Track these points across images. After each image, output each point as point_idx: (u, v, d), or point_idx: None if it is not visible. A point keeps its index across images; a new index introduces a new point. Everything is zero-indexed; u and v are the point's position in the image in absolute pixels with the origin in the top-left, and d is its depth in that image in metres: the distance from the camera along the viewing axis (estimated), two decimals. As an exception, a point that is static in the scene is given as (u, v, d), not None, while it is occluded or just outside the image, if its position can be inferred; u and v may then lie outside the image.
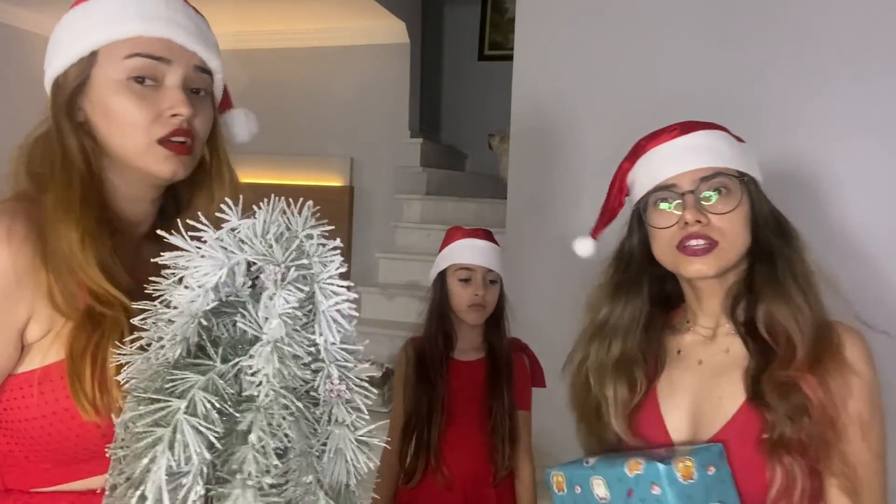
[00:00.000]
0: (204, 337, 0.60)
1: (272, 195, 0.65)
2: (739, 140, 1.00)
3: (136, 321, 0.61)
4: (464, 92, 4.81)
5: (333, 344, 0.61)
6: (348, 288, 0.62)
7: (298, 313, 0.59)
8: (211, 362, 0.59)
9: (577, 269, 2.61)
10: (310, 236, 0.64)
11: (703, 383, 0.97)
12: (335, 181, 4.11)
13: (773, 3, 1.99)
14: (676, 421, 0.97)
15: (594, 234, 1.10)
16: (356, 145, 4.08)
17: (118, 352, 0.61)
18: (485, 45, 4.87)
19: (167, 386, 0.57)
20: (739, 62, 2.04)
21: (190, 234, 0.61)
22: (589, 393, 1.03)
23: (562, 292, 2.44)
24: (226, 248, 0.60)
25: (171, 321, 0.60)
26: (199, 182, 0.89)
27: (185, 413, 0.55)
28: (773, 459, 0.86)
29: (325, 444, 0.60)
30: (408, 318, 3.48)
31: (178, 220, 0.63)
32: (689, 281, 0.98)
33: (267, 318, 0.59)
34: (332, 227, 0.66)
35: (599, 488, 0.89)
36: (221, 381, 0.58)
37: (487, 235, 1.61)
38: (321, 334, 0.60)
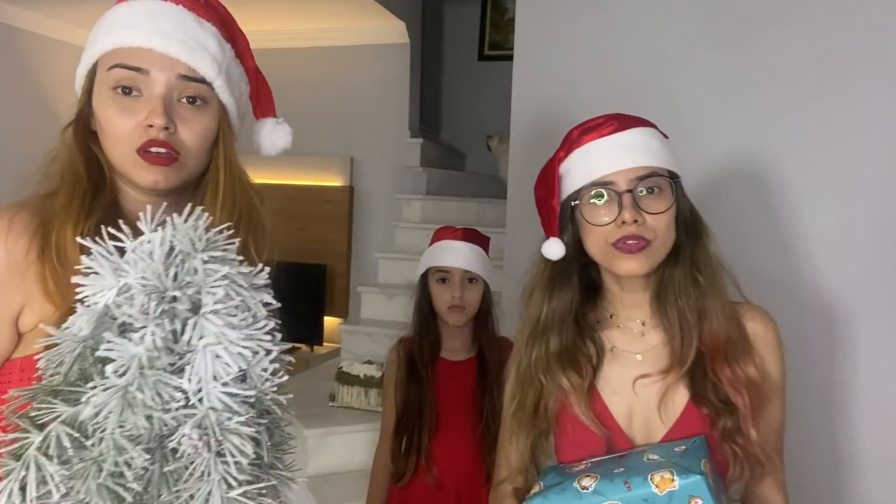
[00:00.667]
0: (90, 362, 0.54)
1: (189, 205, 0.59)
2: (665, 136, 1.02)
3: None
4: (464, 92, 4.81)
5: (214, 388, 0.52)
6: (233, 326, 0.54)
7: (153, 355, 0.52)
8: (87, 391, 0.53)
9: (577, 269, 2.58)
10: (206, 260, 0.55)
11: (646, 381, 0.99)
12: (335, 181, 4.11)
13: (774, 7, 1.99)
14: (624, 416, 0.99)
15: (553, 232, 1.03)
16: (356, 145, 4.08)
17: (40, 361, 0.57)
18: (485, 45, 4.87)
19: (33, 414, 0.53)
20: (740, 63, 2.04)
21: (113, 244, 0.56)
22: (529, 390, 1.03)
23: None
24: (116, 267, 0.55)
25: (56, 343, 0.55)
26: (203, 192, 0.89)
27: (38, 450, 0.51)
28: (725, 448, 0.92)
29: (190, 499, 0.53)
30: (408, 318, 3.48)
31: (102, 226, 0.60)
32: (618, 276, 0.99)
33: (110, 360, 0.52)
34: (235, 249, 0.58)
35: None
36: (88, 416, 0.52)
37: (468, 235, 1.61)
38: (190, 379, 0.52)
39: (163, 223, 0.57)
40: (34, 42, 3.71)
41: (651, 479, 0.78)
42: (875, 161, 1.63)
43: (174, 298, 0.53)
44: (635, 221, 0.91)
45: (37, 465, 0.50)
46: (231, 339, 0.53)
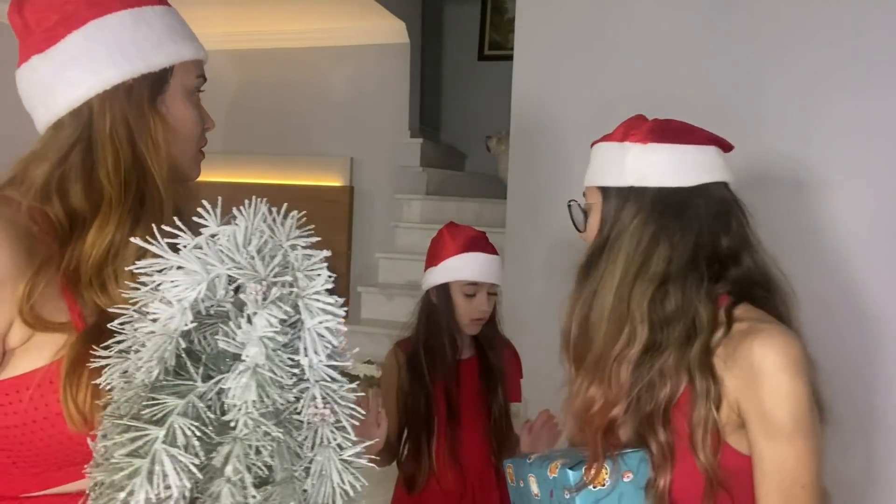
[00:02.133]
0: (183, 353, 0.56)
1: (253, 197, 0.60)
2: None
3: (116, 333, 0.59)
4: (464, 92, 4.81)
5: (320, 362, 0.57)
6: (336, 303, 0.58)
7: (279, 337, 0.55)
8: (191, 382, 0.55)
9: (577, 269, 2.59)
10: (294, 247, 0.59)
11: None
12: (335, 181, 4.11)
13: (775, 5, 1.99)
14: None
15: None
16: (356, 145, 4.08)
17: (104, 369, 0.57)
18: (485, 45, 4.86)
19: (144, 411, 0.54)
20: (740, 63, 2.04)
21: (166, 240, 0.57)
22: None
23: (562, 293, 2.44)
24: (204, 260, 0.56)
25: (145, 341, 0.56)
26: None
27: (164, 443, 0.52)
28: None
29: (309, 467, 0.57)
30: (408, 318, 3.48)
31: (154, 224, 0.60)
32: None
33: (245, 343, 0.55)
34: (318, 239, 0.62)
35: (534, 485, 0.93)
36: (202, 404, 0.54)
37: (489, 245, 1.58)
38: (306, 355, 0.56)
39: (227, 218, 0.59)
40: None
41: (549, 464, 0.90)
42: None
43: (286, 284, 0.57)
44: None
45: (168, 456, 0.51)
46: (336, 317, 0.58)
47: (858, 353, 1.70)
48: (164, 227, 0.58)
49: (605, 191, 1.02)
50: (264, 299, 0.55)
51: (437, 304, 1.55)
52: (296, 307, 0.57)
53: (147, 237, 0.58)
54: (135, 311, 0.57)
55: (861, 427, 1.63)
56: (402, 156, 3.97)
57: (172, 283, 0.55)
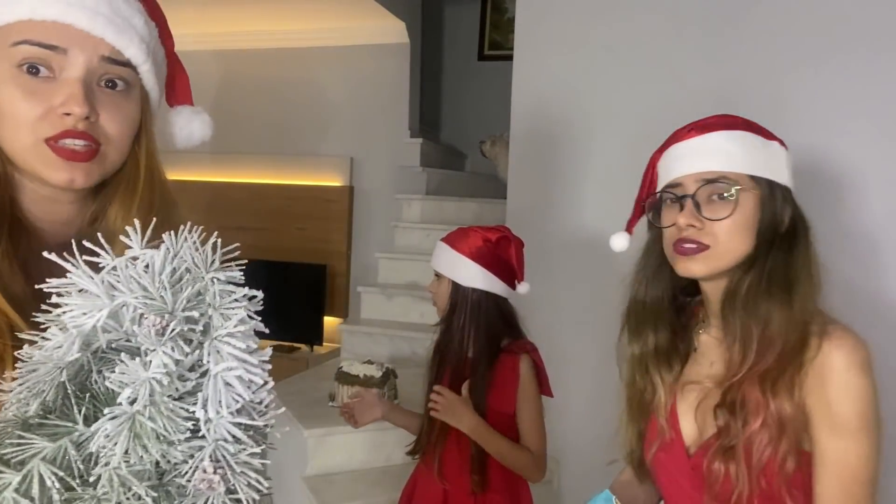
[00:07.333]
0: (70, 390, 0.48)
1: (188, 224, 0.52)
2: (771, 138, 0.98)
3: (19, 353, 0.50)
4: (464, 92, 4.81)
5: (220, 417, 0.48)
6: (249, 350, 0.50)
7: (166, 381, 0.47)
8: (71, 424, 0.47)
9: (578, 269, 2.61)
10: (215, 280, 0.50)
11: (693, 387, 1.00)
12: (335, 181, 4.11)
13: (776, 5, 1.99)
14: (687, 420, 1.00)
15: (629, 227, 1.10)
16: (356, 145, 4.08)
17: None
18: (485, 45, 4.87)
19: (6, 451, 0.46)
20: (742, 63, 2.04)
21: (86, 258, 0.49)
22: (642, 384, 1.06)
23: (562, 293, 2.44)
24: (109, 285, 0.48)
25: (32, 369, 0.48)
26: (114, 187, 0.76)
27: (16, 491, 0.44)
28: (713, 462, 0.91)
29: None
30: (408, 318, 3.50)
31: (74, 239, 0.51)
32: (697, 281, 1.01)
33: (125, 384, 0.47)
34: (241, 274, 0.53)
35: None
36: (75, 452, 0.46)
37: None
38: (203, 406, 0.48)
39: (153, 241, 0.51)
40: None
41: None
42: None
43: (190, 319, 0.49)
44: (692, 226, 0.92)
45: None
46: (247, 365, 0.49)
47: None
48: (84, 243, 0.50)
49: (764, 183, 0.95)
50: (161, 335, 0.47)
51: (492, 315, 1.61)
52: (202, 349, 0.49)
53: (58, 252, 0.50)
54: (38, 335, 0.50)
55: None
56: (402, 156, 3.97)
57: (70, 308, 0.48)
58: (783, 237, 0.94)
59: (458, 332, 1.60)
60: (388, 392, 2.55)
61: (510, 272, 1.63)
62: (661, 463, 1.03)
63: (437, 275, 1.67)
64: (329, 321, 3.90)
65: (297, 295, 3.85)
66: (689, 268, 0.94)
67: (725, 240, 0.92)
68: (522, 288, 1.65)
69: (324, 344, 3.90)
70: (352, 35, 4.03)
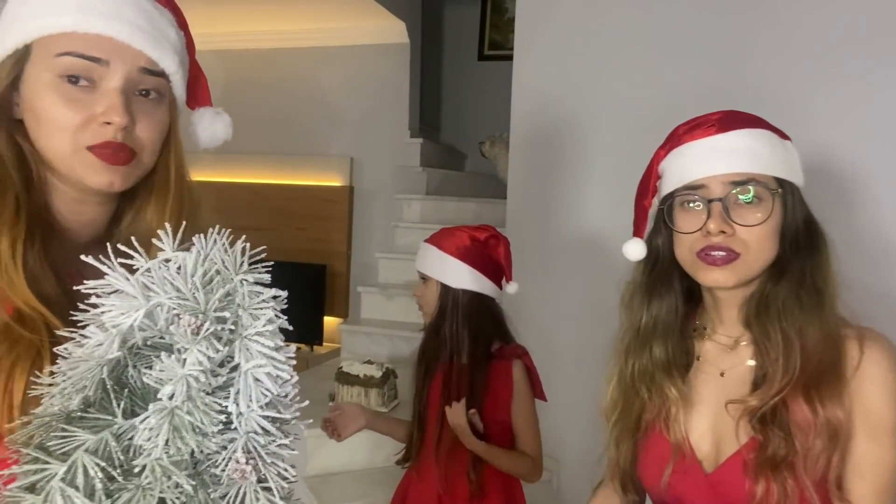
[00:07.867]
0: (110, 385, 0.51)
1: (216, 227, 0.55)
2: (784, 137, 0.94)
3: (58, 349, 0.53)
4: (464, 92, 4.81)
5: (251, 411, 0.51)
6: (277, 347, 0.52)
7: (202, 377, 0.49)
8: (110, 418, 0.50)
9: (578, 269, 2.61)
10: (244, 281, 0.53)
11: (726, 398, 0.93)
12: (335, 181, 4.11)
13: (775, 4, 1.99)
14: (698, 435, 0.95)
15: (639, 233, 1.01)
16: (356, 145, 4.08)
17: (33, 387, 0.52)
18: (484, 45, 4.87)
19: (51, 443, 0.48)
20: (743, 62, 2.04)
21: (120, 261, 0.52)
22: (634, 400, 1.00)
23: (562, 293, 2.45)
24: (145, 286, 0.51)
25: (75, 366, 0.51)
26: (148, 191, 0.79)
27: (63, 480, 0.47)
28: (759, 477, 0.85)
29: None
30: (408, 318, 3.49)
31: (109, 241, 0.54)
32: (709, 288, 0.94)
33: (164, 380, 0.49)
34: (267, 276, 0.56)
35: None
36: (115, 443, 0.49)
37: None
38: (235, 401, 0.50)
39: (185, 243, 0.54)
40: None
41: None
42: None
43: (221, 319, 0.51)
44: (722, 232, 0.85)
45: (63, 497, 0.46)
46: (276, 362, 0.52)
47: None
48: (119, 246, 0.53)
49: (787, 185, 0.90)
50: (196, 334, 0.50)
51: (483, 316, 1.58)
52: (233, 347, 0.51)
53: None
54: (76, 331, 0.52)
55: None
56: (402, 156, 3.97)
57: (108, 308, 0.51)
58: (804, 241, 0.90)
59: (448, 337, 1.54)
60: (388, 392, 2.55)
61: (498, 272, 1.59)
62: (674, 483, 0.96)
63: (423, 277, 1.60)
64: (329, 321, 3.91)
65: (296, 295, 3.83)
66: (717, 278, 0.87)
67: (757, 248, 0.86)
68: (511, 287, 1.60)
69: (324, 344, 3.90)
70: (352, 35, 4.03)
